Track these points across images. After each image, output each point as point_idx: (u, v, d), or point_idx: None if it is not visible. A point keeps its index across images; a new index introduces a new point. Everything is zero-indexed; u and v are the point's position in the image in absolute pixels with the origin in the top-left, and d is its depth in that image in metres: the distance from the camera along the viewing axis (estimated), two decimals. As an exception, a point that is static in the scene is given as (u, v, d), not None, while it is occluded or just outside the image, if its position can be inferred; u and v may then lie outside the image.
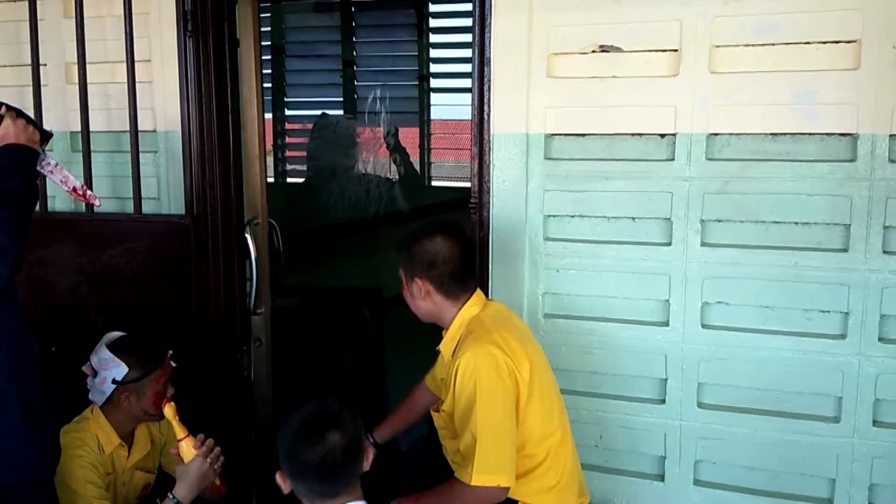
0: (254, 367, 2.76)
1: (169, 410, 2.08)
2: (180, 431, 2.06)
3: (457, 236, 2.03)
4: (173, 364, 2.22)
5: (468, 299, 2.03)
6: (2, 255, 1.69)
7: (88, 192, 2.09)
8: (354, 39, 5.23)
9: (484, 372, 1.87)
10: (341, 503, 1.62)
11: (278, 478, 1.64)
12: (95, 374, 2.12)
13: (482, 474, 1.85)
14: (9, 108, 1.88)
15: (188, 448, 2.04)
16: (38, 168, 1.92)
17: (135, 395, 2.12)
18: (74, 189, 2.03)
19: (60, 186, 2.02)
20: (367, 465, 1.68)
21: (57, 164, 1.99)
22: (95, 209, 2.44)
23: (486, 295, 2.39)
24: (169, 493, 2.01)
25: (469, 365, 1.88)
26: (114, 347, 2.13)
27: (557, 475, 1.99)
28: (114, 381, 2.10)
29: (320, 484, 1.61)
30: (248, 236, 2.67)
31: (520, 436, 1.92)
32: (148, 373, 2.13)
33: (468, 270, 2.05)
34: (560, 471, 1.99)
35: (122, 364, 2.10)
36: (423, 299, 2.02)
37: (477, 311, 2.02)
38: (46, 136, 1.97)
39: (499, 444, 1.87)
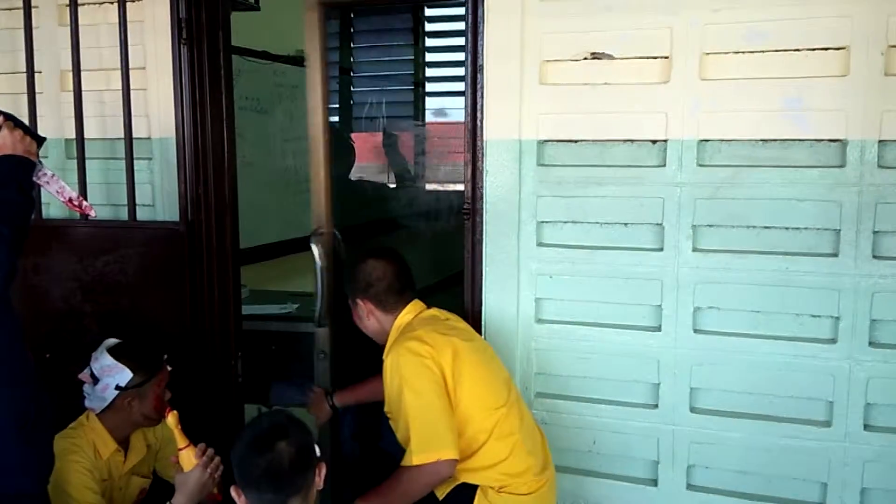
0: (317, 380, 2.84)
1: (171, 420, 2.07)
2: (181, 441, 2.05)
3: (386, 256, 2.26)
4: (169, 368, 2.23)
5: (404, 309, 2.19)
6: None
7: (84, 202, 2.09)
8: (352, 45, 5.24)
9: (404, 362, 2.02)
10: None
11: (233, 491, 1.67)
12: (96, 381, 2.12)
13: (421, 453, 1.94)
14: (6, 117, 1.87)
15: (189, 458, 2.03)
16: (35, 179, 1.93)
17: (137, 399, 2.14)
18: (70, 200, 2.03)
19: (56, 197, 2.03)
20: (319, 482, 1.68)
21: (53, 175, 1.99)
22: (90, 219, 2.44)
23: (480, 301, 2.42)
24: (167, 503, 2.01)
25: (392, 362, 2.05)
26: (115, 353, 2.14)
27: (507, 447, 2.05)
28: (117, 387, 2.11)
29: (269, 491, 1.62)
30: (313, 247, 2.73)
31: (459, 418, 2.00)
32: (151, 376, 2.16)
33: (403, 284, 2.23)
34: (509, 444, 2.06)
35: (127, 369, 2.12)
36: (368, 318, 2.23)
37: (410, 318, 2.18)
38: (39, 142, 1.97)
39: (430, 421, 1.96)
